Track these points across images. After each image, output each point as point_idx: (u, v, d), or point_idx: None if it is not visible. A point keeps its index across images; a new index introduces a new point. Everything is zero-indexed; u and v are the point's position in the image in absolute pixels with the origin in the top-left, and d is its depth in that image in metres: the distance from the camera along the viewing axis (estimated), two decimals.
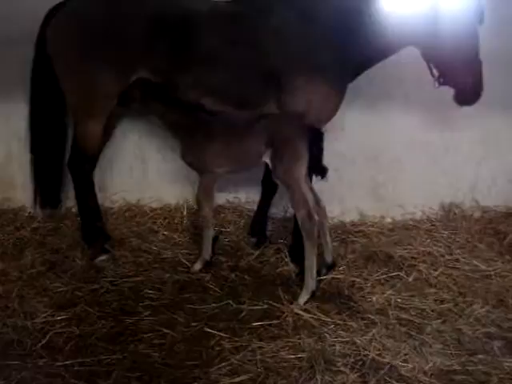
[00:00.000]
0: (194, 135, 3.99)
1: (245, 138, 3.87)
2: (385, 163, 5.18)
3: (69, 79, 4.07)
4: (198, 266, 4.16)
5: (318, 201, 3.93)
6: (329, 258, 4.08)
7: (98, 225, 4.46)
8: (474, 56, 3.86)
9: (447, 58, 3.86)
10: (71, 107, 4.20)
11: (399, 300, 3.84)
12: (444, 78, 3.97)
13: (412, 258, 4.45)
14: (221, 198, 5.09)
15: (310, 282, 3.76)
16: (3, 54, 4.67)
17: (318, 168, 3.78)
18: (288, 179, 3.74)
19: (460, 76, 3.88)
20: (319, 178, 3.83)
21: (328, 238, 4.05)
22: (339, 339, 3.39)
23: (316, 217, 3.74)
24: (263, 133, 3.78)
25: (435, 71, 4.00)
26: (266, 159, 3.83)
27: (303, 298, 3.74)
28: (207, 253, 4.17)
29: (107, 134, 4.47)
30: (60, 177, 4.56)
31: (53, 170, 4.50)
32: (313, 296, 3.76)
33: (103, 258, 4.26)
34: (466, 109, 4.09)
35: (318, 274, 3.87)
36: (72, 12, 4.02)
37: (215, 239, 4.27)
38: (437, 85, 4.02)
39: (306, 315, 3.59)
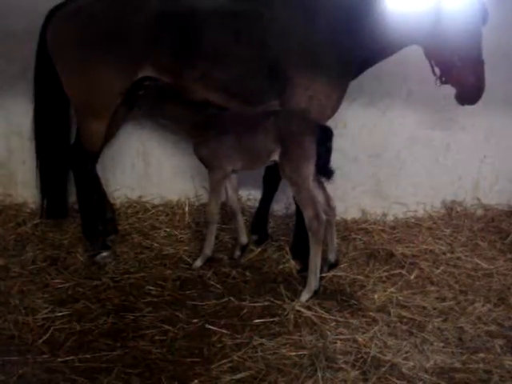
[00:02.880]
0: (206, 131, 3.97)
1: (256, 136, 3.83)
2: (387, 161, 5.17)
3: (72, 79, 4.05)
4: (199, 263, 4.16)
5: (328, 199, 3.90)
6: (332, 257, 4.07)
7: (108, 216, 4.50)
8: (477, 56, 3.84)
9: (449, 57, 3.84)
10: (74, 107, 4.20)
11: (401, 298, 3.84)
12: (446, 77, 3.96)
13: (414, 255, 4.46)
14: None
15: (313, 281, 3.75)
16: (4, 50, 4.67)
17: (324, 169, 3.75)
18: (296, 178, 3.70)
19: (462, 75, 3.86)
20: (325, 179, 3.80)
21: (334, 237, 4.04)
22: (340, 337, 3.39)
23: (324, 216, 3.71)
24: (273, 130, 3.75)
25: (437, 70, 3.99)
26: (276, 157, 3.80)
27: (305, 296, 3.74)
28: (209, 249, 4.16)
29: (111, 133, 4.47)
30: (66, 185, 4.56)
31: (59, 177, 4.49)
32: (315, 295, 3.76)
33: (104, 254, 4.26)
34: (469, 107, 4.07)
35: (320, 271, 3.87)
36: (73, 11, 4.00)
37: (245, 247, 4.30)
38: (438, 83, 4.01)
39: (308, 312, 3.59)
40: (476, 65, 3.84)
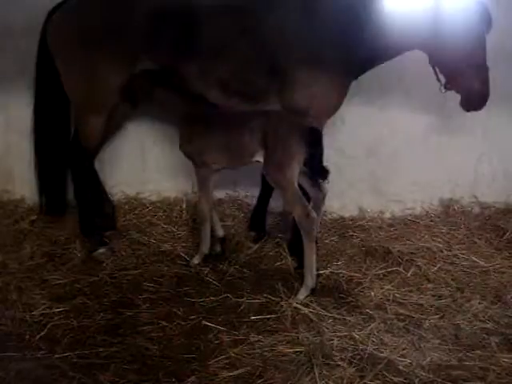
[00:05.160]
0: (193, 126, 3.98)
1: (240, 135, 3.81)
2: (384, 158, 5.18)
3: (71, 75, 4.06)
4: (196, 260, 4.16)
5: (323, 197, 3.84)
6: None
7: (108, 212, 4.52)
8: (481, 62, 3.84)
9: (454, 64, 3.83)
10: (73, 103, 4.20)
11: (397, 295, 3.85)
12: (451, 84, 3.95)
13: (411, 253, 4.46)
14: (220, 192, 5.09)
15: (310, 280, 3.74)
16: (3, 46, 4.66)
17: (318, 170, 3.73)
18: (281, 179, 3.68)
19: (466, 82, 3.86)
20: (320, 179, 3.77)
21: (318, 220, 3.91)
22: (337, 333, 3.39)
23: (314, 214, 3.66)
24: (258, 131, 3.74)
25: (441, 77, 3.98)
26: (260, 158, 3.79)
27: (302, 294, 3.73)
28: (206, 247, 4.17)
29: (111, 131, 4.47)
30: (64, 181, 4.55)
31: (58, 173, 4.48)
32: (312, 293, 3.75)
33: (102, 250, 4.26)
34: None
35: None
36: (72, 7, 4.02)
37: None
38: (443, 90, 4.00)
39: (305, 309, 3.60)
40: (481, 71, 3.84)
